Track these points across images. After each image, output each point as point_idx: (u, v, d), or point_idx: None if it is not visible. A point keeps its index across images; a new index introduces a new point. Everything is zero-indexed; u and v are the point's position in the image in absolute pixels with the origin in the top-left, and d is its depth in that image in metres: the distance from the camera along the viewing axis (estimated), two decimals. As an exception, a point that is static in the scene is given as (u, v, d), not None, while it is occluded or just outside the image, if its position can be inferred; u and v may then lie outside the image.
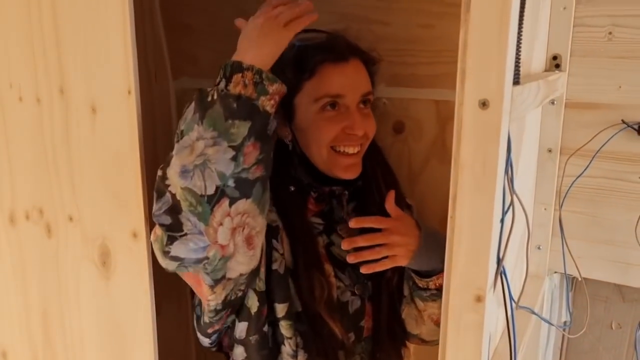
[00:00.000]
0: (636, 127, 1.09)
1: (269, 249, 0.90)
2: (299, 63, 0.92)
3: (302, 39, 0.91)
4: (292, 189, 0.96)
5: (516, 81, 0.60)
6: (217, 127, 0.70)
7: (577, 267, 1.21)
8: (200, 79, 1.40)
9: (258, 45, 0.79)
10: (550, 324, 1.10)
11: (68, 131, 0.81)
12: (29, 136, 0.86)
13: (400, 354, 1.10)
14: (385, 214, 0.93)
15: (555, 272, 1.25)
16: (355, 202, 1.04)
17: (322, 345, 0.95)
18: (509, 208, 0.64)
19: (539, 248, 1.22)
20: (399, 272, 1.02)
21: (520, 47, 0.64)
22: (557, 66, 1.12)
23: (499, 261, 0.60)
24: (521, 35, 0.65)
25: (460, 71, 0.51)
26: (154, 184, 0.74)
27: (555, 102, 1.14)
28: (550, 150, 1.17)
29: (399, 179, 1.07)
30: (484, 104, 0.51)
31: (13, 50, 0.84)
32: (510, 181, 0.61)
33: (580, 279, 1.24)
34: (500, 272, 0.63)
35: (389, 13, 1.11)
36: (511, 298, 0.68)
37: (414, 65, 1.11)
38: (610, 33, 1.09)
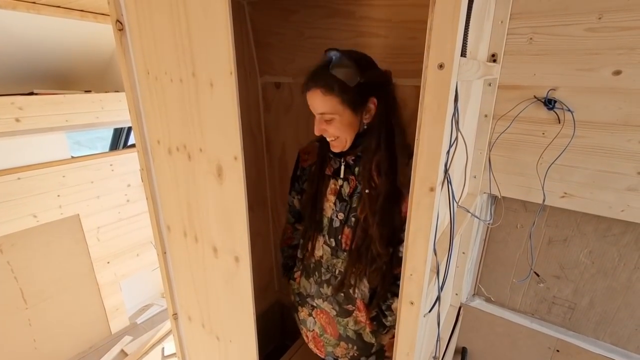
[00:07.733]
0: (542, 100, 1.01)
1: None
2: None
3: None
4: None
5: (463, 54, 0.56)
6: None
7: (498, 189, 1.17)
8: (275, 76, 1.40)
9: None
10: (478, 218, 1.06)
11: (198, 99, 0.81)
12: (177, 102, 0.86)
13: (368, 274, 0.91)
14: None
15: (485, 193, 1.20)
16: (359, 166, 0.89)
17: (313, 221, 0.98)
18: (456, 139, 0.61)
19: (474, 177, 1.17)
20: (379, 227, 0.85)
21: (467, 34, 0.59)
22: (494, 61, 1.03)
23: (446, 169, 0.58)
24: (468, 27, 0.60)
25: (427, 44, 0.48)
26: (244, 125, 0.77)
27: (491, 84, 1.06)
28: (486, 116, 1.10)
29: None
30: (441, 66, 0.48)
31: (166, 53, 0.83)
32: (457, 120, 0.58)
33: (500, 196, 1.19)
34: (447, 177, 0.61)
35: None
36: (454, 198, 0.66)
37: (404, 64, 1.03)
38: (531, 39, 0.99)
